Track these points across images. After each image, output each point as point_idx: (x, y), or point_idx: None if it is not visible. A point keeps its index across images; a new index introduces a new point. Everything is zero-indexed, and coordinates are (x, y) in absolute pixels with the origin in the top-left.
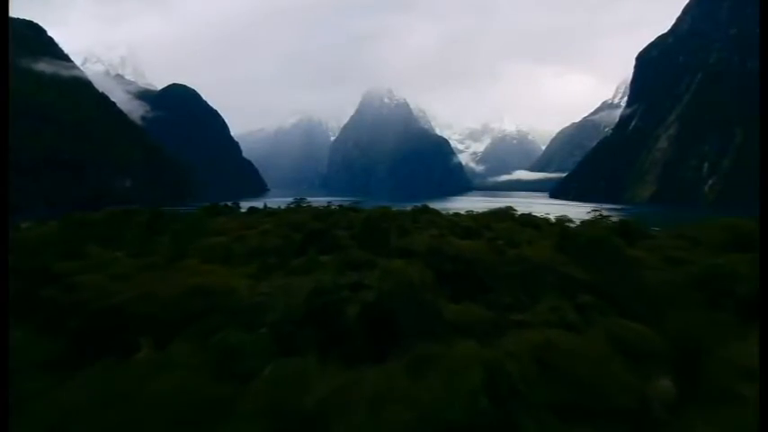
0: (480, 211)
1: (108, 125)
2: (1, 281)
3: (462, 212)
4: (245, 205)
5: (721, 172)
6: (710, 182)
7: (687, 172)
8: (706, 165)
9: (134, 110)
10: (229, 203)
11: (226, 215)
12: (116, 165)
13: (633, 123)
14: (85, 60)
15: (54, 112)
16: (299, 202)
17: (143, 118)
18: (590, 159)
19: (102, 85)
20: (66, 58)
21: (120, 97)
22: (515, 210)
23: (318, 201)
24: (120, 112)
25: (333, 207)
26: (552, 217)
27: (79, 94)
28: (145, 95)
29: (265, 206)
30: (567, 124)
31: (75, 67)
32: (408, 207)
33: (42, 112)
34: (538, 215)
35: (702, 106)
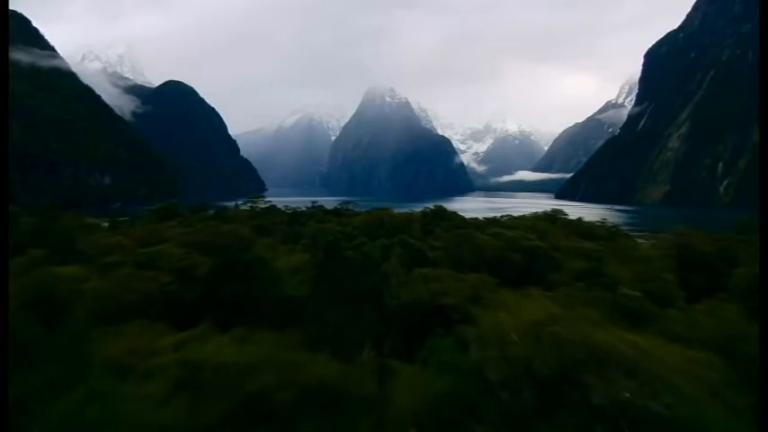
0: (511, 214)
1: (90, 119)
2: (1, 282)
3: (498, 216)
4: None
5: (737, 172)
6: (726, 182)
7: (701, 172)
8: (721, 164)
9: (125, 105)
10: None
11: (182, 218)
12: (94, 161)
13: (642, 122)
14: (83, 58)
15: (27, 103)
16: (255, 201)
17: (134, 114)
18: (597, 159)
19: (92, 80)
20: (50, 48)
21: (110, 92)
22: (564, 214)
23: (302, 201)
24: (106, 105)
25: (316, 208)
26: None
27: (60, 85)
28: (138, 91)
29: (237, 206)
30: (570, 125)
31: (56, 57)
32: (416, 208)
33: (12, 103)
34: (596, 223)
35: (716, 104)
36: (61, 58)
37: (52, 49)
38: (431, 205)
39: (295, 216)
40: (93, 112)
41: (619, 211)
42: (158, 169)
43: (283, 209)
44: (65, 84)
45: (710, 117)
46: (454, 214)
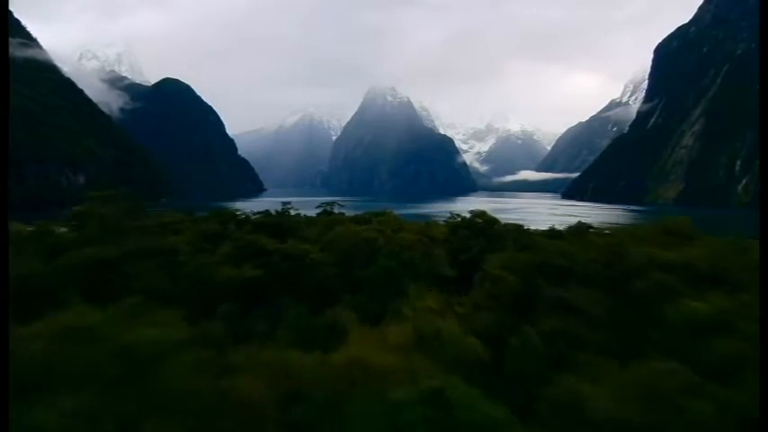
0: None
1: (68, 114)
2: (1, 281)
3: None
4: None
5: (756, 170)
6: (744, 181)
7: (717, 171)
8: (738, 163)
9: (113, 101)
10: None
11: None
12: (68, 158)
13: (653, 120)
14: (81, 57)
15: None
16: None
17: (122, 110)
18: (606, 158)
19: (79, 76)
20: (28, 38)
21: (99, 88)
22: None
23: (272, 202)
24: (89, 100)
25: (283, 211)
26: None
27: (37, 78)
28: (134, 89)
29: (190, 212)
30: (573, 124)
31: (32, 46)
32: (422, 210)
33: None
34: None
35: (731, 100)
36: (41, 48)
37: (31, 38)
38: (463, 211)
39: (222, 226)
40: (72, 106)
41: (633, 211)
42: (145, 168)
43: (234, 213)
44: (42, 76)
45: (726, 113)
46: (518, 230)
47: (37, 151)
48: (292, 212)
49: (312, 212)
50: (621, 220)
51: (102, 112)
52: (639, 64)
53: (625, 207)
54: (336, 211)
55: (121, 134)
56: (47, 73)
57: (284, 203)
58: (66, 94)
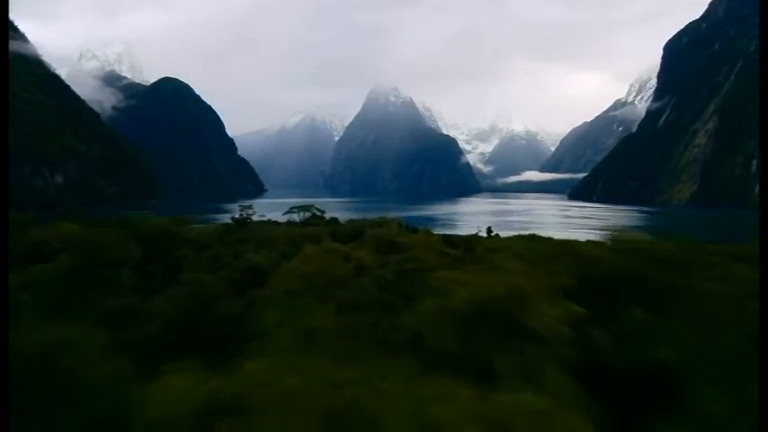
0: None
1: (51, 111)
2: (1, 281)
3: None
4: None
5: None
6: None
7: (732, 170)
8: (754, 162)
9: (106, 99)
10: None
11: None
12: (46, 157)
13: (663, 118)
14: (81, 56)
15: None
16: None
17: (115, 108)
18: (614, 158)
19: (79, 75)
20: (15, 30)
21: (93, 85)
22: None
23: (269, 203)
24: (76, 97)
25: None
26: None
27: (19, 72)
28: (133, 88)
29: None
30: (578, 124)
31: (16, 38)
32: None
33: None
34: None
35: (746, 97)
36: (26, 41)
37: (15, 30)
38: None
39: None
40: (57, 102)
41: (648, 213)
42: (136, 167)
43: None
44: (25, 70)
45: (740, 111)
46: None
47: (16, 150)
48: (255, 219)
49: (294, 218)
50: (643, 224)
51: (90, 110)
52: (645, 63)
53: (637, 208)
54: (326, 216)
55: (111, 132)
56: (31, 67)
57: (242, 207)
58: (52, 90)
